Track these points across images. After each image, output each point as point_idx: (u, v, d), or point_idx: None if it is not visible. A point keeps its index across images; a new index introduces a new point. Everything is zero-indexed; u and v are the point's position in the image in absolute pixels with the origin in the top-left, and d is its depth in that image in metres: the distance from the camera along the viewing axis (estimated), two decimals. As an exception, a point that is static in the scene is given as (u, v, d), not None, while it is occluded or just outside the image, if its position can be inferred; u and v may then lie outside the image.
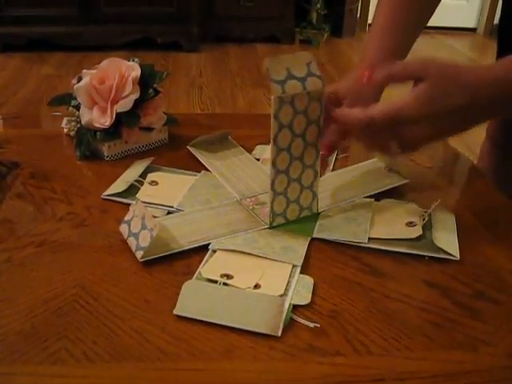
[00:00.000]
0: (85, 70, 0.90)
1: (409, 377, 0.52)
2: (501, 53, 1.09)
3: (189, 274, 0.64)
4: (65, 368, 0.51)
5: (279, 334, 0.56)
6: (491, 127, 1.19)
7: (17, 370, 0.51)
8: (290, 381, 0.51)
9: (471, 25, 4.85)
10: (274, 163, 0.69)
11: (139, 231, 0.68)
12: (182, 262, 0.66)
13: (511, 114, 0.70)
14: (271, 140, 0.68)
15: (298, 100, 0.68)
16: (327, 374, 0.52)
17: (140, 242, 0.67)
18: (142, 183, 0.83)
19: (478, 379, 0.53)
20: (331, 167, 0.91)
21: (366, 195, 0.81)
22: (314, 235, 0.72)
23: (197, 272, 0.64)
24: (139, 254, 0.66)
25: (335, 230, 0.73)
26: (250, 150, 0.94)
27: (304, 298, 0.61)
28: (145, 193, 0.81)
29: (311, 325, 0.57)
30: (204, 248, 0.69)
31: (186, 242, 0.69)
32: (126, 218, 0.71)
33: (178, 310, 0.58)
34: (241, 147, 0.95)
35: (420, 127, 0.64)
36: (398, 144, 0.66)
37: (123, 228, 0.71)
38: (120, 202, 0.78)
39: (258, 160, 0.92)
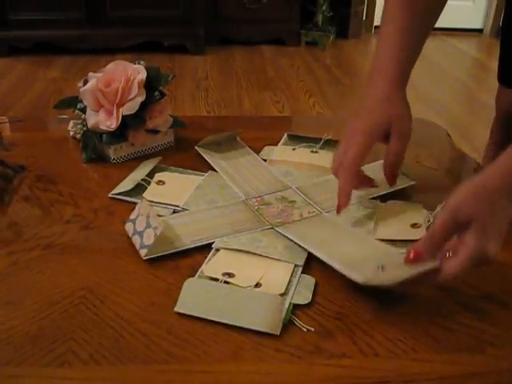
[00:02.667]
0: (91, 73, 0.91)
1: (415, 379, 0.52)
2: (504, 53, 1.09)
3: (195, 276, 0.64)
4: (71, 370, 0.51)
5: (278, 332, 0.56)
6: (494, 128, 1.18)
7: (24, 372, 0.51)
8: (296, 383, 0.51)
9: (477, 26, 4.82)
10: None
11: (144, 230, 0.68)
12: (188, 263, 0.66)
13: None
14: None
15: None
16: (333, 377, 0.52)
17: (144, 241, 0.67)
18: (149, 182, 0.83)
19: (486, 382, 0.53)
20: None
21: (371, 196, 0.81)
22: (319, 236, 0.72)
23: (199, 270, 0.65)
24: (143, 252, 0.66)
25: None
26: (257, 152, 0.94)
27: (305, 298, 0.61)
28: (151, 192, 0.81)
29: (304, 329, 0.57)
30: (210, 249, 0.69)
31: (189, 241, 0.69)
32: (132, 216, 0.72)
33: (178, 308, 0.58)
34: (248, 148, 0.95)
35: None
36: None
37: (128, 226, 0.71)
38: (126, 204, 0.78)
39: (266, 161, 0.92)
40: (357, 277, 0.60)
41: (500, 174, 0.61)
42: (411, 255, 0.60)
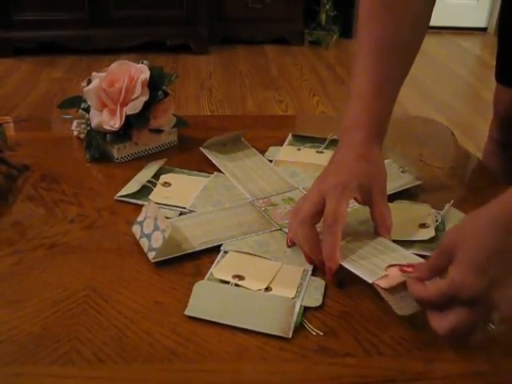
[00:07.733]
0: (94, 73, 0.91)
1: (419, 377, 0.52)
2: (502, 51, 1.08)
3: (198, 275, 0.64)
4: (75, 369, 0.51)
5: (290, 335, 0.56)
6: (493, 128, 1.18)
7: (28, 371, 0.51)
8: (299, 382, 0.51)
9: (482, 24, 4.82)
10: None
11: (152, 232, 0.68)
12: (191, 263, 0.66)
13: None
14: None
15: None
16: (337, 375, 0.52)
17: (152, 243, 0.67)
18: (154, 184, 0.83)
19: (491, 380, 0.53)
20: None
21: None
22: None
23: (208, 273, 0.64)
24: (151, 255, 0.66)
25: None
26: (261, 151, 0.94)
27: (315, 300, 0.61)
28: (157, 194, 0.81)
29: (314, 332, 0.57)
30: (214, 249, 0.69)
31: (197, 244, 0.69)
32: (139, 218, 0.71)
33: (189, 311, 0.58)
34: (253, 148, 0.95)
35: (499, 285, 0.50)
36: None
37: (136, 229, 0.71)
38: (130, 204, 0.78)
39: (271, 161, 0.92)
40: (366, 277, 0.60)
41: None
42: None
